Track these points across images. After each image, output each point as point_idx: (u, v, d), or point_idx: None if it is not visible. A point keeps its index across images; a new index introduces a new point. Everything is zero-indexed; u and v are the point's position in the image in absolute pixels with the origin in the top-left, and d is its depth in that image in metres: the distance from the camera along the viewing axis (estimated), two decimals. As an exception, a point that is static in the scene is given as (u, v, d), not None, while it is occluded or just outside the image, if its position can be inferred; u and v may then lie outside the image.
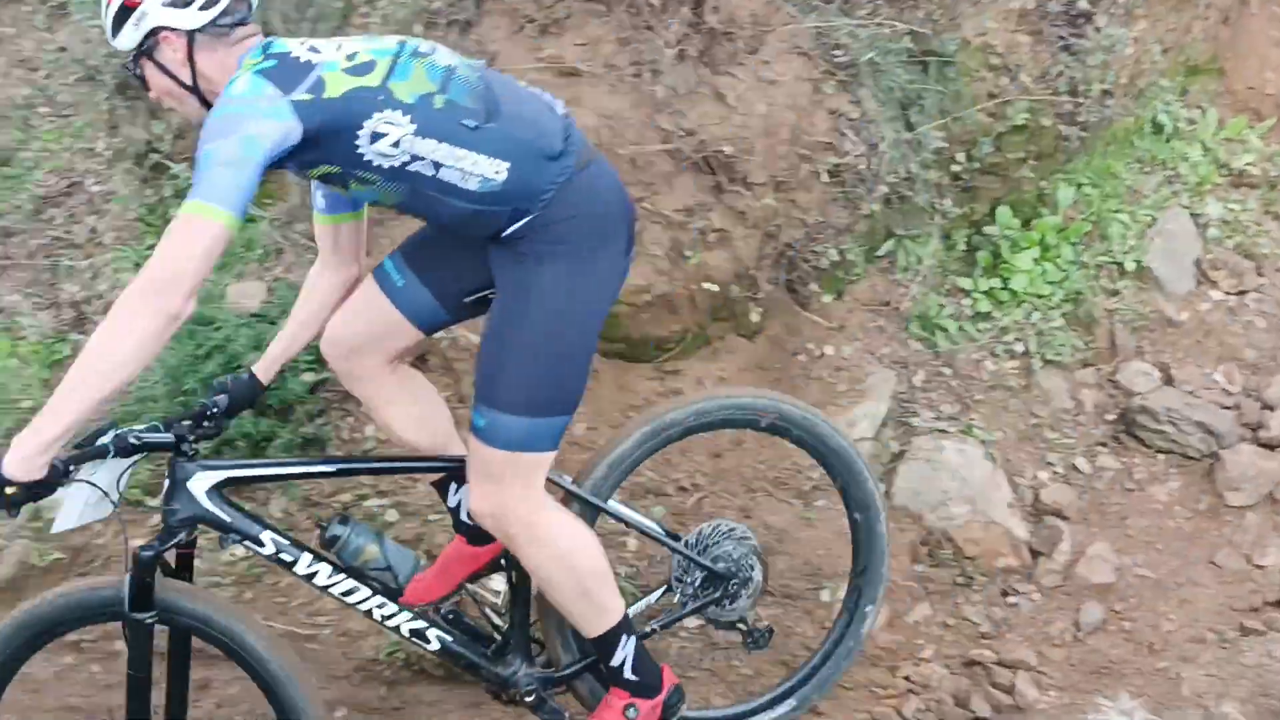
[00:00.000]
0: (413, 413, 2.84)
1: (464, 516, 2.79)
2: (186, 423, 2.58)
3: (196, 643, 2.57)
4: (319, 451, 3.91)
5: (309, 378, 3.91)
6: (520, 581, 2.72)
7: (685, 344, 4.07)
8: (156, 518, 2.89)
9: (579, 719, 2.81)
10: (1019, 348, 4.31)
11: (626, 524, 2.89)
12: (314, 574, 2.57)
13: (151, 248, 4.31)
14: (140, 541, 2.46)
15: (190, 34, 2.32)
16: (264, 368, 2.82)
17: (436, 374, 3.90)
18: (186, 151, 4.40)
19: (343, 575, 2.60)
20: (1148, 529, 4.00)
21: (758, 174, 3.96)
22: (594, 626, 2.61)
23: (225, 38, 2.35)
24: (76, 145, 4.77)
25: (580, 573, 2.54)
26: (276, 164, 2.21)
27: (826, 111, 4.10)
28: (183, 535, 2.49)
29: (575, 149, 2.39)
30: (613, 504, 2.83)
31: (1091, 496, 4.08)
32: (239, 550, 2.82)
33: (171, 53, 2.35)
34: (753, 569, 2.91)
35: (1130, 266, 4.53)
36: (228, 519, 2.51)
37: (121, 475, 2.43)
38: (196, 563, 2.69)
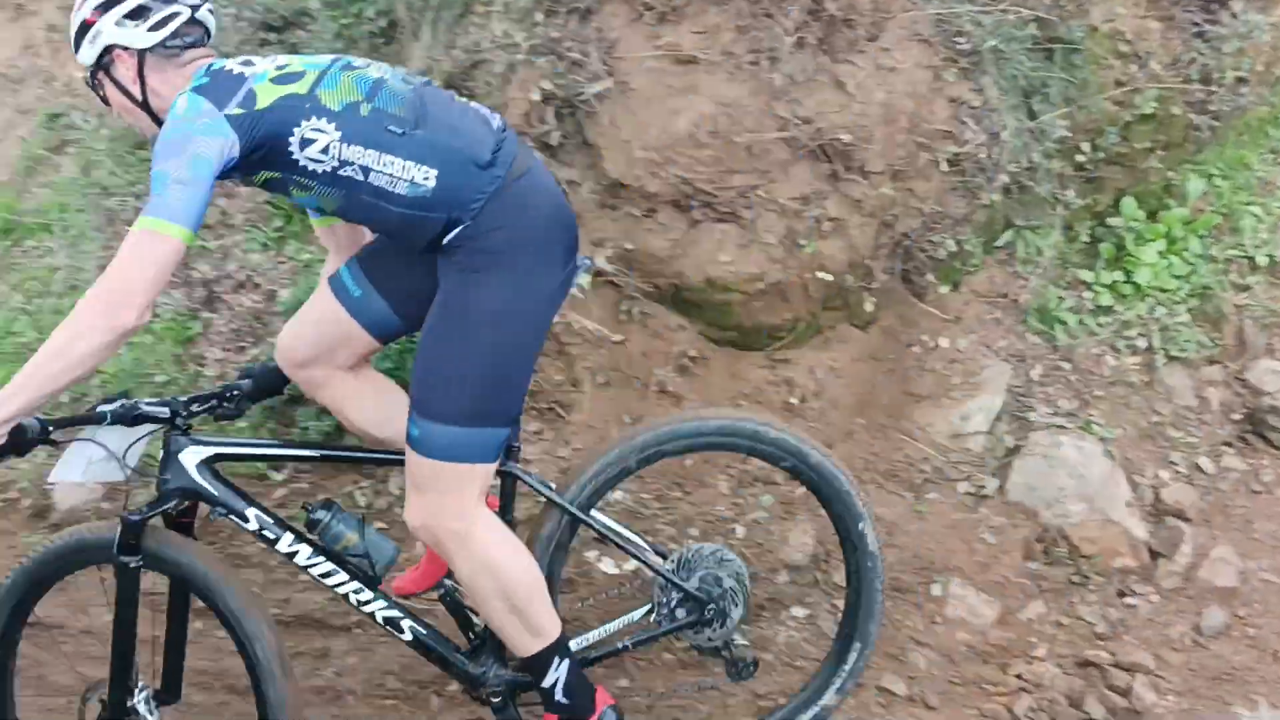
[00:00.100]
0: (379, 411, 2.85)
1: None
2: (184, 399, 2.69)
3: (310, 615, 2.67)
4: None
5: (427, 359, 4.00)
6: None
7: (797, 333, 4.06)
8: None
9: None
10: (1141, 343, 4.20)
11: (606, 537, 2.81)
12: (295, 553, 2.65)
13: (279, 230, 4.51)
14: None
15: (141, 53, 2.45)
16: None
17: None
18: (313, 137, 4.53)
19: (322, 558, 2.65)
20: (1276, 533, 3.87)
21: (875, 162, 3.92)
22: (524, 646, 2.60)
23: (175, 58, 2.48)
24: (209, 130, 4.93)
25: (510, 590, 2.52)
26: (223, 175, 2.30)
27: (946, 99, 4.03)
28: (173, 504, 2.62)
29: (507, 160, 2.42)
30: (597, 515, 2.80)
31: (1215, 498, 3.96)
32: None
33: (124, 70, 2.48)
34: (734, 599, 2.77)
35: (1262, 261, 4.37)
36: (215, 493, 2.63)
37: (133, 444, 2.58)
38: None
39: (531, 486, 2.69)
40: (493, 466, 2.52)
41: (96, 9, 2.45)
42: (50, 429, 2.36)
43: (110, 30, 2.44)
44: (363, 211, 2.42)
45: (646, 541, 2.87)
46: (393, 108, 2.35)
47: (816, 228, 3.92)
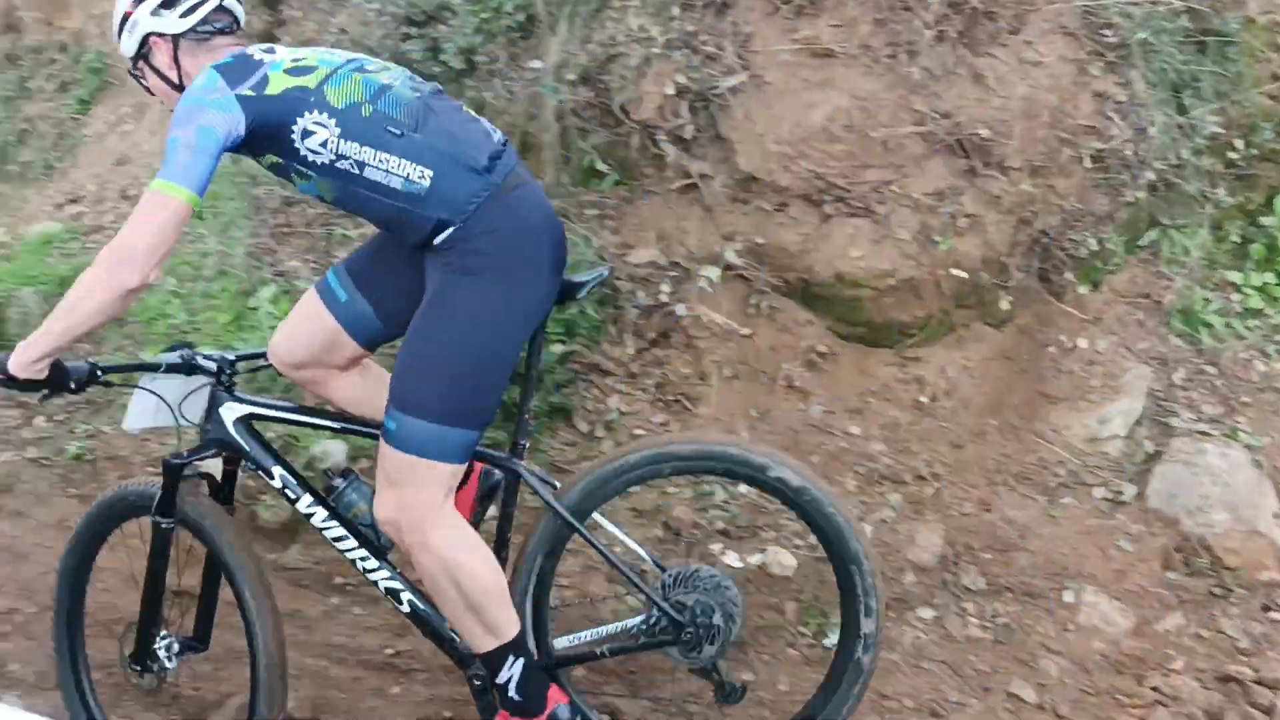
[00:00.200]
0: (375, 403, 2.83)
1: None
2: (235, 355, 2.88)
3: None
4: (565, 419, 4.08)
5: (558, 349, 4.06)
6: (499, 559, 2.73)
7: (929, 330, 4.00)
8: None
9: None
10: (1293, 348, 4.03)
11: (596, 547, 2.73)
12: (312, 514, 2.77)
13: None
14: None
15: (175, 39, 2.63)
16: None
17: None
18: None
19: (335, 522, 2.76)
20: None
21: (1014, 158, 3.84)
22: (480, 643, 2.62)
23: (205, 43, 2.64)
24: (351, 122, 5.09)
25: (469, 589, 2.54)
26: (237, 148, 2.44)
27: (1091, 94, 3.93)
28: (211, 452, 2.81)
29: (503, 170, 2.47)
30: (600, 520, 2.76)
31: (1370, 512, 3.77)
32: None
33: (161, 56, 2.66)
34: (716, 630, 2.64)
35: None
36: (246, 447, 2.79)
37: (188, 395, 2.79)
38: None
39: (531, 487, 2.70)
40: (460, 468, 2.55)
41: (134, 1, 2.64)
42: (100, 372, 2.59)
43: (146, 19, 2.63)
44: (357, 203, 2.50)
45: (648, 552, 2.80)
46: (395, 112, 2.44)
47: (952, 224, 3.86)
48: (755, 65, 3.94)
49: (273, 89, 2.42)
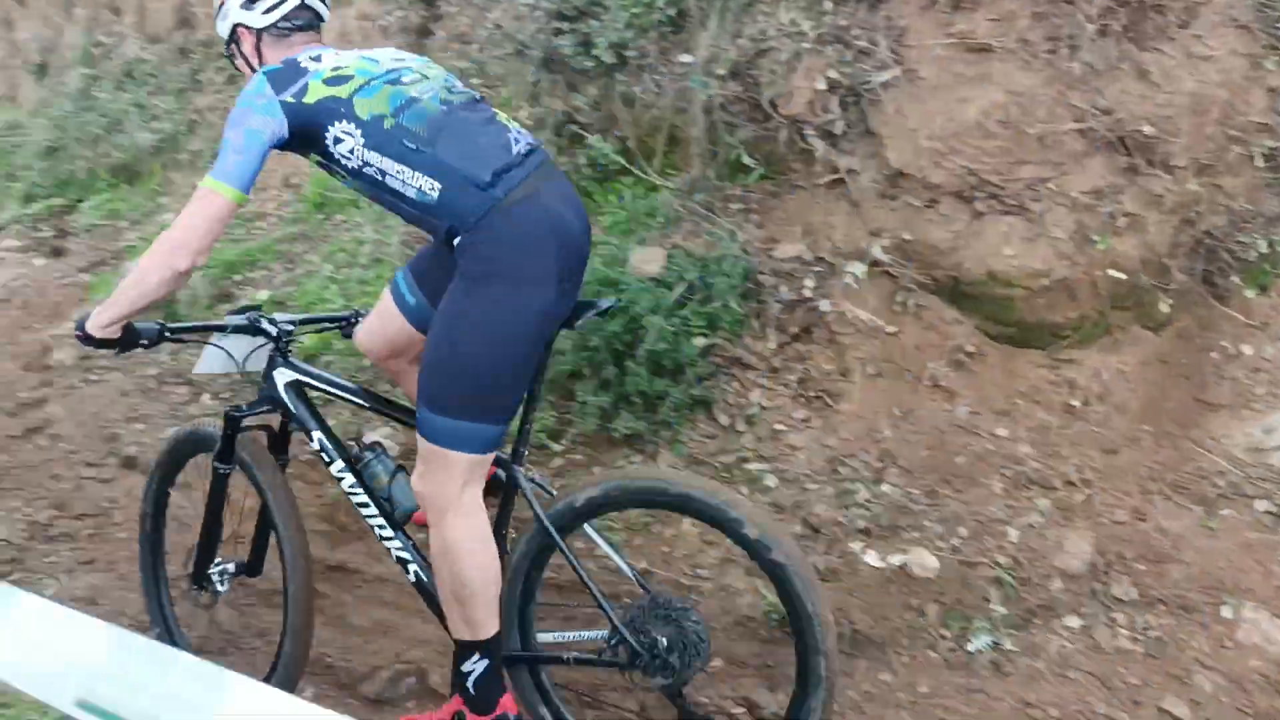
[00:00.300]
0: None
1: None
2: (295, 320, 3.20)
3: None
4: (706, 411, 4.11)
5: (700, 341, 4.09)
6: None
7: (1082, 332, 3.90)
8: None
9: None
10: None
11: (571, 563, 2.78)
12: (342, 478, 3.02)
13: (562, 212, 4.72)
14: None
15: (258, 32, 2.91)
16: None
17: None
18: (602, 124, 4.70)
19: (360, 489, 2.99)
20: None
21: (1179, 156, 3.71)
22: (456, 630, 2.78)
23: (285, 39, 2.91)
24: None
25: (459, 580, 2.69)
26: (287, 146, 2.66)
27: (1265, 90, 3.77)
28: (265, 409, 3.13)
29: (509, 184, 2.56)
30: (592, 532, 2.82)
31: None
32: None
33: (247, 46, 2.95)
34: (669, 665, 2.67)
35: None
36: (293, 409, 3.10)
37: (253, 352, 3.13)
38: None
39: (523, 494, 2.79)
40: (479, 458, 2.67)
41: None
42: (166, 332, 2.91)
43: (235, 11, 2.92)
44: (385, 203, 2.68)
45: (634, 572, 2.84)
46: (414, 125, 2.59)
47: (1110, 223, 3.75)
48: (909, 60, 3.89)
49: (310, 97, 2.63)
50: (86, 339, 2.77)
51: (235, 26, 2.94)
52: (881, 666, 3.33)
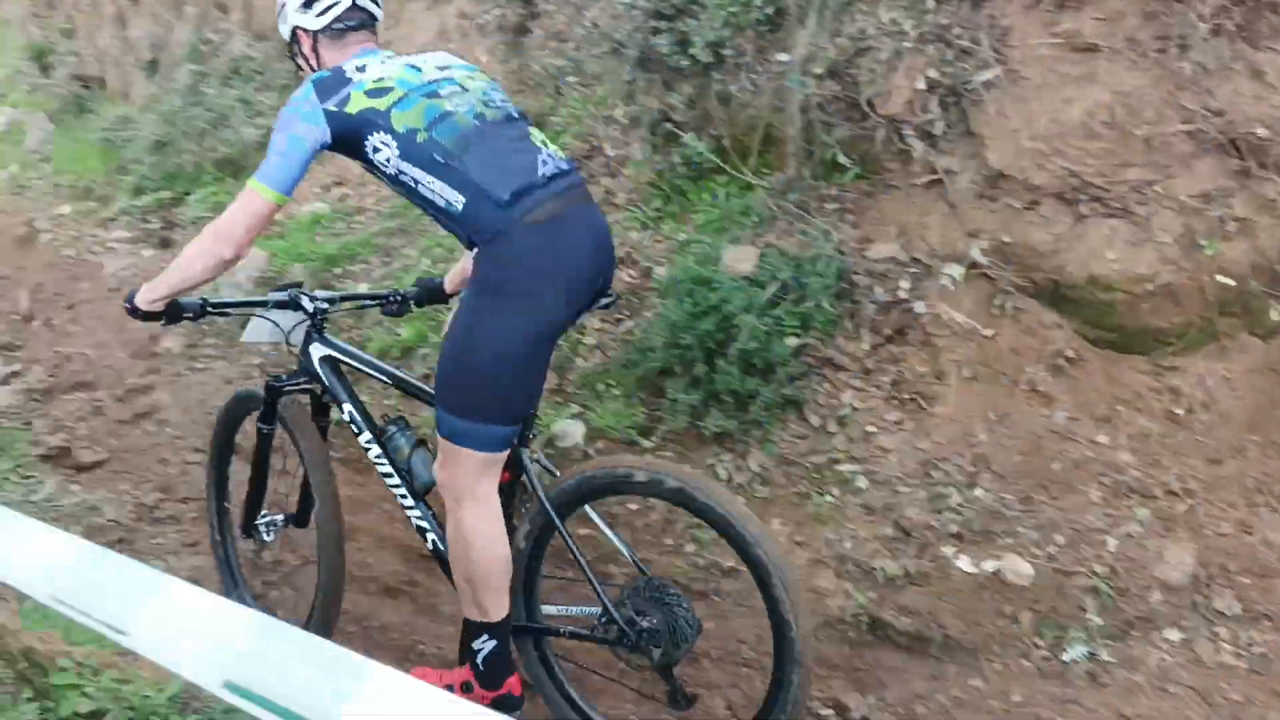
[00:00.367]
0: None
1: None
2: (332, 298, 3.40)
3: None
4: (797, 411, 4.10)
5: (792, 341, 4.09)
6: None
7: (1188, 339, 3.80)
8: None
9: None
10: None
11: (568, 544, 2.90)
12: (369, 449, 3.19)
13: (658, 209, 4.76)
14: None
15: (314, 34, 3.01)
16: (451, 280, 3.48)
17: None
18: (697, 122, 4.72)
19: (386, 461, 3.15)
20: None
21: (1295, 159, 3.60)
22: (468, 610, 2.93)
23: (340, 39, 3.00)
24: (599, 112, 5.26)
25: (469, 564, 2.84)
26: (333, 148, 2.77)
27: (1386, 90, 3.63)
28: (302, 380, 3.34)
29: (529, 205, 2.64)
30: (593, 514, 2.97)
31: None
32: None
33: (305, 47, 3.06)
34: (655, 647, 2.81)
35: None
36: (326, 381, 3.28)
37: (296, 326, 3.34)
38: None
39: (527, 474, 2.95)
40: (491, 455, 2.79)
41: None
42: (208, 308, 3.12)
43: (293, 14, 3.04)
44: (420, 208, 2.79)
45: (631, 554, 2.98)
46: (445, 140, 2.68)
47: (1220, 227, 3.66)
48: (1011, 60, 3.84)
49: (352, 108, 2.73)
50: (134, 311, 3.00)
51: (294, 29, 3.07)
52: (972, 672, 3.30)
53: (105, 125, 8.93)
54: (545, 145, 2.82)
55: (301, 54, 3.10)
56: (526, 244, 2.65)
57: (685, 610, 2.83)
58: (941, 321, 4.01)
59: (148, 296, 2.96)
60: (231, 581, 3.73)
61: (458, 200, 2.65)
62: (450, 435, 2.77)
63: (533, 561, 3.03)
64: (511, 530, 2.94)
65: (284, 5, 3.07)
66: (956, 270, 4.01)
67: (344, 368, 3.30)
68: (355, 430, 3.22)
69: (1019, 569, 3.48)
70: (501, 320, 2.66)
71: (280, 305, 3.33)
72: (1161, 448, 3.72)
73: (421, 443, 3.20)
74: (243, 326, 3.59)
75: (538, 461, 3.03)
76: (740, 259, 4.36)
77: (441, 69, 2.88)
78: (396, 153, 2.70)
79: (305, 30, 3.03)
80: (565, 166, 2.81)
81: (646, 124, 4.91)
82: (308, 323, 3.33)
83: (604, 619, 2.88)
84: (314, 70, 3.02)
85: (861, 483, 3.87)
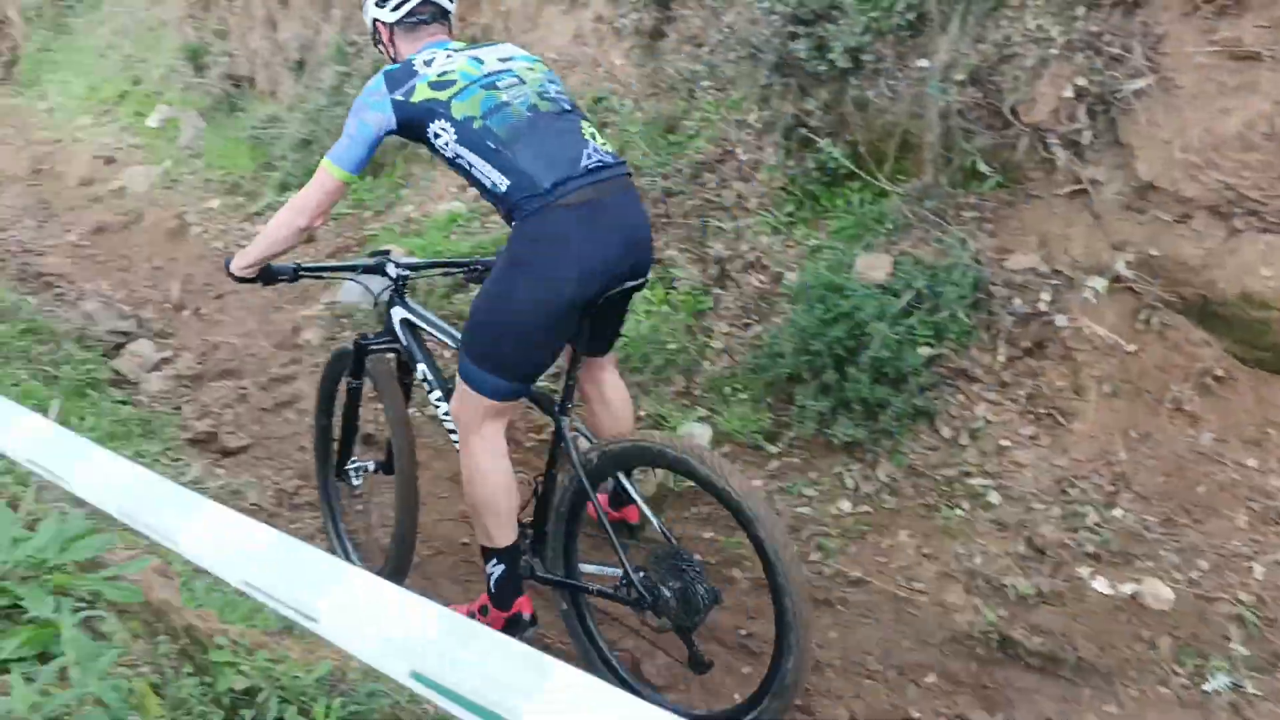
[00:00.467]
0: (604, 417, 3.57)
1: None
2: (412, 265, 3.74)
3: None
4: (928, 422, 4.05)
5: (925, 351, 4.04)
6: (545, 489, 3.28)
7: (1350, 360, 3.63)
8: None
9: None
10: None
11: (597, 511, 3.11)
12: (438, 406, 3.48)
13: (790, 215, 4.75)
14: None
15: (391, 26, 3.34)
16: None
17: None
18: (832, 128, 4.69)
19: (450, 420, 3.34)
20: None
21: None
22: (479, 536, 3.24)
23: (413, 32, 3.32)
24: (732, 117, 5.27)
25: (475, 495, 3.16)
26: (400, 133, 3.05)
27: None
28: (386, 340, 3.65)
29: (564, 193, 2.86)
30: (626, 482, 3.18)
31: None
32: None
33: (385, 38, 3.38)
34: (669, 611, 2.99)
35: None
36: (404, 342, 3.61)
37: (383, 290, 3.64)
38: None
39: (564, 442, 3.16)
40: (494, 404, 3.07)
41: None
42: (299, 272, 3.51)
43: (371, 7, 3.37)
44: (475, 189, 3.01)
45: (660, 523, 3.10)
46: (499, 128, 2.93)
47: (1386, 245, 3.48)
48: (1165, 68, 3.72)
49: (416, 98, 3.01)
50: (230, 276, 3.40)
51: (374, 20, 3.38)
52: (1107, 698, 3.21)
53: (254, 123, 9.27)
54: (594, 138, 3.04)
55: (381, 43, 3.42)
56: (555, 224, 2.88)
57: (702, 580, 3.00)
58: (1082, 335, 3.91)
59: (241, 263, 3.36)
60: (330, 516, 4.09)
61: (502, 182, 2.90)
62: (465, 377, 3.09)
63: (570, 524, 3.25)
64: (552, 496, 3.25)
65: (365, 1, 3.39)
66: (1100, 283, 3.91)
67: (421, 332, 3.60)
68: (427, 388, 3.53)
69: (1159, 593, 3.38)
70: (519, 292, 2.92)
71: (368, 270, 3.65)
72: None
73: None
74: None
75: (577, 431, 3.29)
76: (873, 266, 4.31)
77: (503, 61, 3.14)
78: (454, 138, 2.96)
79: (383, 23, 3.35)
80: (610, 160, 3.02)
81: (781, 129, 4.90)
82: (392, 287, 3.62)
83: (625, 581, 3.07)
84: (392, 59, 3.36)
85: (994, 498, 3.80)
